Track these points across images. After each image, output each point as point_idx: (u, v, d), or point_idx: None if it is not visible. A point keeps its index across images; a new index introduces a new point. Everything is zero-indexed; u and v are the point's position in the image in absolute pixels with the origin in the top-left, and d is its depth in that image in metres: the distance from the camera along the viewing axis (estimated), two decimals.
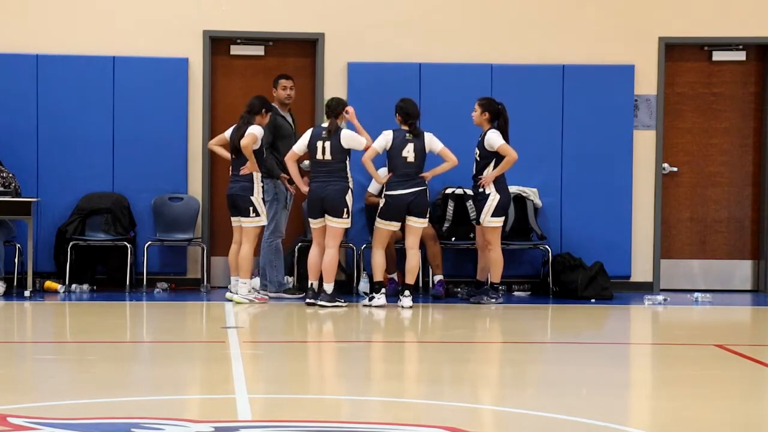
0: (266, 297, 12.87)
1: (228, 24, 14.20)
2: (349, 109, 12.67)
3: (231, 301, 12.72)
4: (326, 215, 12.43)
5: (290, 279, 13.54)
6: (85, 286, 13.59)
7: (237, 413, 7.16)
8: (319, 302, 12.40)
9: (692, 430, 6.93)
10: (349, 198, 12.41)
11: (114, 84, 13.95)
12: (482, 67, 14.12)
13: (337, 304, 12.40)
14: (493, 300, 12.78)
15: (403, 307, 12.39)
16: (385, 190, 12.52)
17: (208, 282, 14.00)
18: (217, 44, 14.31)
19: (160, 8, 14.21)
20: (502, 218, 12.78)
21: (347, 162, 12.45)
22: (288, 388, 8.36)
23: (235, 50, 14.39)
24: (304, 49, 14.36)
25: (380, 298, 12.46)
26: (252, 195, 12.59)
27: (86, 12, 14.06)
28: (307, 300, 12.54)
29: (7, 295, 13.18)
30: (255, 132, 12.57)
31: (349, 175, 12.46)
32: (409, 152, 12.44)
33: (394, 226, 12.56)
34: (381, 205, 12.57)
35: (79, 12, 14.06)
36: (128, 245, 13.65)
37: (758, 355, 9.99)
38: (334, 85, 14.08)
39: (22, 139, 13.71)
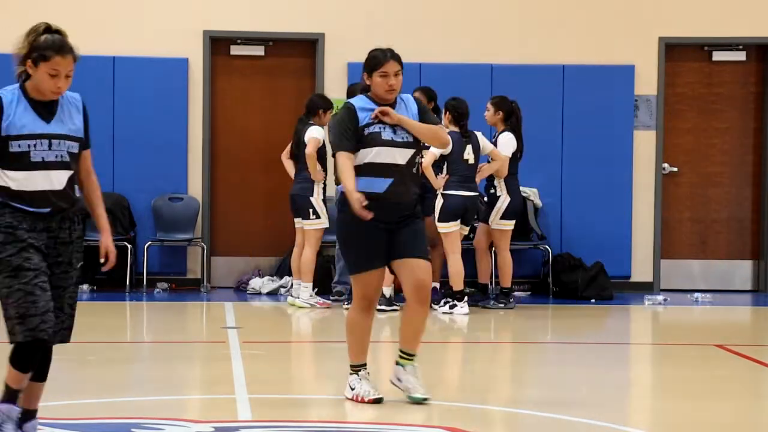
0: (328, 302, 12.56)
1: (228, 24, 14.20)
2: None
3: (293, 305, 12.50)
4: None
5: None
6: (85, 286, 13.58)
7: (237, 413, 7.17)
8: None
9: (692, 430, 6.93)
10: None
11: (114, 84, 13.96)
12: (482, 67, 14.12)
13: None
14: (502, 305, 12.57)
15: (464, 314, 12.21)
16: (444, 190, 12.05)
17: (208, 282, 14.00)
18: (217, 44, 14.31)
19: (160, 8, 14.21)
20: (513, 222, 12.61)
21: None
22: (288, 388, 8.36)
23: (235, 50, 14.39)
24: (304, 49, 14.36)
25: (463, 307, 12.13)
26: (311, 196, 12.29)
27: (86, 12, 14.06)
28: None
29: None
30: (316, 136, 12.22)
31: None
32: (469, 154, 12.17)
33: (458, 225, 12.13)
34: (439, 207, 12.07)
35: (79, 12, 14.06)
36: (128, 245, 13.65)
37: (758, 355, 9.99)
38: (334, 85, 14.07)
39: None
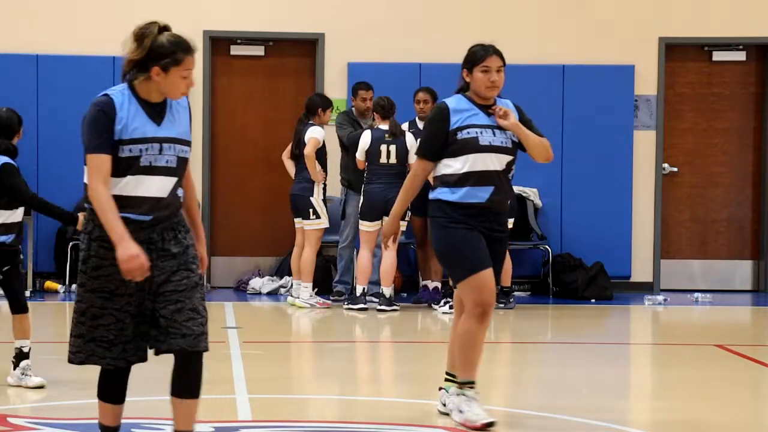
0: (328, 302, 12.57)
1: (228, 24, 14.20)
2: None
3: (293, 305, 12.49)
4: (386, 218, 12.24)
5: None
6: None
7: (237, 413, 7.17)
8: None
9: (692, 430, 6.93)
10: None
11: (114, 84, 13.90)
12: None
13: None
14: (502, 305, 12.57)
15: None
16: None
17: (208, 282, 14.00)
18: (217, 44, 14.31)
19: (160, 8, 14.19)
20: (512, 220, 12.65)
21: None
22: (288, 388, 8.36)
23: (235, 50, 14.39)
24: (304, 49, 14.36)
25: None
26: (312, 196, 12.30)
27: (86, 12, 14.06)
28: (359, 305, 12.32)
29: None
30: (316, 136, 12.22)
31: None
32: None
33: None
34: None
35: (79, 12, 14.06)
36: None
37: (758, 355, 9.99)
38: (334, 85, 14.08)
39: (22, 139, 13.66)
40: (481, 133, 6.68)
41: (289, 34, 14.23)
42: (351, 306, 12.38)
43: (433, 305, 12.54)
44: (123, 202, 5.13)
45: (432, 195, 6.77)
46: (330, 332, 11.62)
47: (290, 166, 12.72)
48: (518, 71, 14.13)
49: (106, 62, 13.92)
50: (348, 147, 12.78)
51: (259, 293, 13.71)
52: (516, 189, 13.69)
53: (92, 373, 7.14)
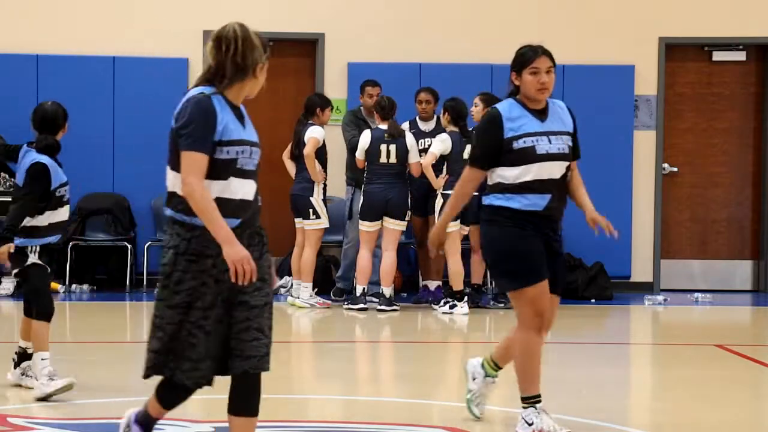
0: (328, 302, 12.56)
1: None
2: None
3: (293, 305, 12.48)
4: (386, 217, 12.25)
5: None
6: (86, 287, 13.59)
7: None
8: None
9: (692, 430, 6.93)
10: (408, 200, 12.31)
11: (114, 84, 13.96)
12: (482, 67, 14.12)
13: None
14: (502, 305, 12.55)
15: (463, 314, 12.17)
16: (444, 190, 12.04)
17: None
18: None
19: (160, 8, 14.21)
20: None
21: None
22: (288, 388, 8.36)
23: None
24: (304, 49, 14.36)
25: (463, 307, 12.14)
26: (312, 196, 12.30)
27: (86, 12, 14.06)
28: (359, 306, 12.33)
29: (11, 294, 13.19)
30: (315, 136, 12.22)
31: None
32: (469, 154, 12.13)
33: (458, 225, 12.12)
34: (440, 207, 12.06)
35: (79, 12, 14.07)
36: (128, 245, 13.65)
37: (758, 355, 9.99)
38: (334, 85, 14.08)
39: (23, 139, 13.68)
40: (537, 141, 6.43)
41: (289, 34, 14.22)
42: (351, 306, 12.38)
43: (433, 305, 12.54)
44: (220, 208, 4.99)
45: (486, 201, 6.51)
46: (330, 332, 11.62)
47: (290, 167, 12.72)
48: None
49: (106, 62, 13.94)
50: (350, 149, 12.81)
51: None
52: None
53: (92, 373, 7.14)
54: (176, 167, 5.02)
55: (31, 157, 7.63)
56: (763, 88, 14.61)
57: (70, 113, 8.08)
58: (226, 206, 5.00)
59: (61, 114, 7.84)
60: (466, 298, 12.21)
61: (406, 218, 12.35)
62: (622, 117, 14.31)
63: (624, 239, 14.33)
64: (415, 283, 13.69)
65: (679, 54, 14.60)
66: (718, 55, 14.62)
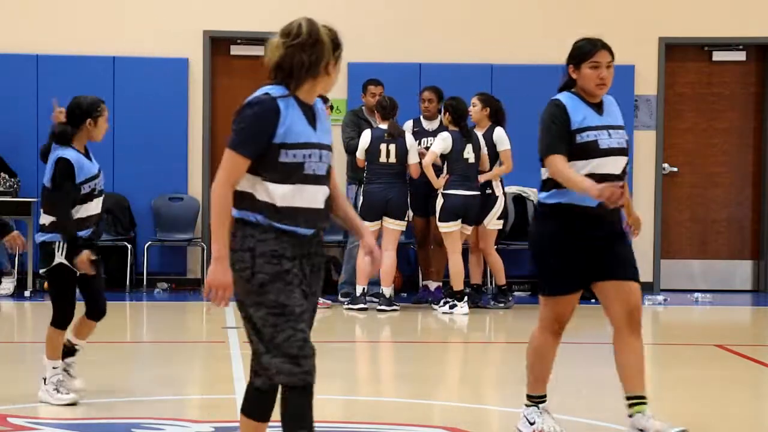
0: (328, 302, 12.52)
1: (228, 24, 14.20)
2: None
3: None
4: (385, 217, 12.25)
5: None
6: None
7: (237, 413, 7.16)
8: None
9: (692, 430, 6.93)
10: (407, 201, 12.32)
11: (114, 84, 13.96)
12: (482, 67, 14.12)
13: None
14: (502, 305, 12.55)
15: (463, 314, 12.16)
16: (444, 190, 12.10)
17: None
18: (217, 44, 14.31)
19: (160, 8, 14.21)
20: (502, 221, 12.68)
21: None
22: None
23: (235, 50, 14.39)
24: None
25: (463, 307, 12.14)
26: None
27: (86, 12, 14.07)
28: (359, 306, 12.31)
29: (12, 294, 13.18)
30: None
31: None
32: (469, 153, 12.13)
33: (458, 225, 12.14)
34: (440, 207, 12.11)
35: (79, 12, 14.07)
36: (128, 245, 13.66)
37: (758, 355, 9.99)
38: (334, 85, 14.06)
39: (23, 139, 13.71)
40: (599, 135, 6.24)
41: None
42: (351, 306, 12.38)
43: (433, 305, 12.54)
44: (290, 216, 4.80)
45: (541, 197, 6.31)
46: (330, 332, 11.62)
47: None
48: (518, 71, 14.17)
49: (106, 62, 13.94)
50: (348, 152, 12.81)
51: None
52: (515, 189, 13.71)
53: (92, 373, 7.14)
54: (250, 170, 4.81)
55: (56, 153, 7.34)
56: (763, 88, 14.61)
57: None
58: (295, 215, 4.79)
59: (76, 105, 7.62)
60: (466, 298, 12.21)
61: (406, 218, 12.35)
62: (622, 117, 14.29)
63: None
64: (415, 283, 13.69)
65: (679, 54, 14.60)
66: (718, 55, 14.62)
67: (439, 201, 12.10)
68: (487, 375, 9.22)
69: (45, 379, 7.33)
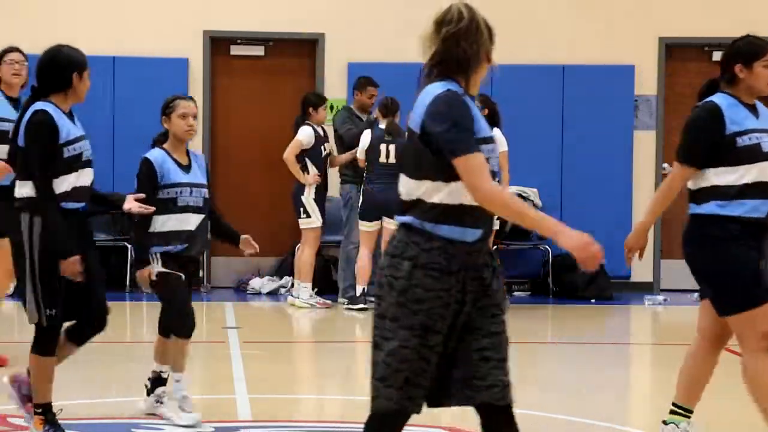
0: (328, 302, 12.57)
1: (228, 24, 14.20)
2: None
3: (293, 305, 12.48)
4: (385, 217, 12.26)
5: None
6: None
7: (237, 413, 7.17)
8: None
9: (692, 430, 6.92)
10: None
11: (114, 84, 13.96)
12: None
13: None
14: None
15: None
16: None
17: (208, 282, 14.00)
18: (217, 44, 14.31)
19: (160, 8, 14.21)
20: (498, 221, 12.72)
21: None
22: (288, 388, 8.36)
23: (235, 50, 14.39)
24: (304, 49, 14.36)
25: None
26: (302, 195, 12.37)
27: (86, 12, 14.06)
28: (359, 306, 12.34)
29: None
30: (299, 138, 12.35)
31: None
32: None
33: None
34: None
35: (79, 12, 14.06)
36: (128, 245, 13.65)
37: None
38: (334, 85, 14.08)
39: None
40: (762, 138, 5.82)
41: (289, 34, 14.23)
42: (351, 306, 12.38)
43: None
44: (462, 215, 4.38)
45: (698, 210, 6.01)
46: (330, 332, 11.62)
47: (295, 171, 12.78)
48: (518, 71, 14.16)
49: (106, 62, 13.93)
50: (346, 144, 12.79)
51: (259, 293, 13.71)
52: (515, 189, 13.71)
53: (92, 373, 7.14)
54: (422, 175, 4.45)
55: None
56: None
57: None
58: (466, 215, 4.36)
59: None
60: None
61: None
62: (622, 117, 14.31)
63: (624, 239, 14.31)
64: None
65: (679, 54, 14.60)
66: (718, 55, 14.61)
67: None
68: None
69: (164, 404, 6.96)
